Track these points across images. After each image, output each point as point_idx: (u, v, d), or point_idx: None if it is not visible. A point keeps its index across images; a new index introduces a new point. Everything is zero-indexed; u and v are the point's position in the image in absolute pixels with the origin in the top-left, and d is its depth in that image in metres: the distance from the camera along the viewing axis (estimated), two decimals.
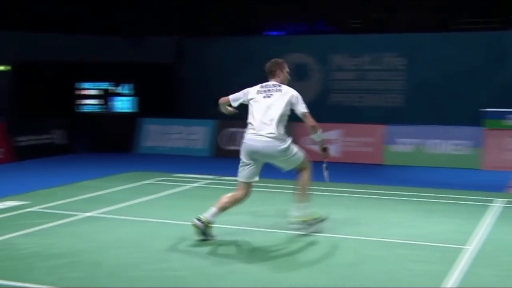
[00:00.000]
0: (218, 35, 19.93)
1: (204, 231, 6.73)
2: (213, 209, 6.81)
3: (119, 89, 16.20)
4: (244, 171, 6.85)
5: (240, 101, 7.00)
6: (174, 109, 19.79)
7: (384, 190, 10.26)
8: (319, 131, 6.89)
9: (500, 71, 17.00)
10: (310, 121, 6.85)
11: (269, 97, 6.83)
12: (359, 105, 18.22)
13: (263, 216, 8.06)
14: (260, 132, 6.73)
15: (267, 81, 7.04)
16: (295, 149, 6.91)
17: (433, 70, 17.58)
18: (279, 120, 6.76)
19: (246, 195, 6.90)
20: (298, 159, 6.92)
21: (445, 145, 13.79)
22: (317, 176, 7.37)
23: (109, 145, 15.81)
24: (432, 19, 18.75)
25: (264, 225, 7.55)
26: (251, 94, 6.92)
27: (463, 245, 6.63)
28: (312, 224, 7.08)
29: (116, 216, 7.99)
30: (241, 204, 7.03)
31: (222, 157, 15.10)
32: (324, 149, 7.09)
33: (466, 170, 13.25)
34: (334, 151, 14.55)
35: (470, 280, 5.49)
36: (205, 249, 6.48)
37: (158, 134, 16.14)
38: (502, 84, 16.93)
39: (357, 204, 9.08)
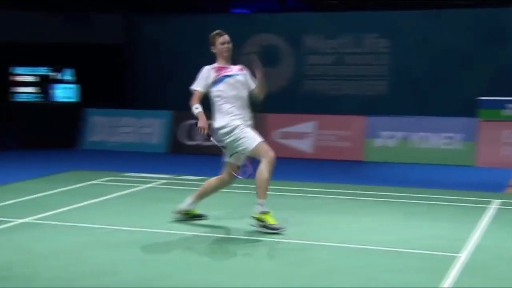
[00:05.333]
0: (175, 11, 19.81)
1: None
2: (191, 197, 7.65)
3: (59, 75, 15.98)
4: None
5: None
6: (125, 98, 19.63)
7: (364, 191, 10.33)
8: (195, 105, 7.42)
9: (497, 53, 17.18)
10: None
11: None
12: (336, 93, 18.26)
13: (221, 220, 8.06)
14: None
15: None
16: (240, 134, 7.35)
17: (420, 53, 17.71)
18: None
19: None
20: (247, 145, 7.31)
21: (433, 138, 13.92)
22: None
23: (47, 140, 15.64)
24: None
25: (224, 230, 7.56)
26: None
27: (453, 253, 6.69)
28: (266, 227, 7.37)
29: (55, 223, 7.91)
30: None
31: (180, 154, 15.06)
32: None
33: (457, 167, 13.40)
34: (306, 146, 14.62)
35: None
36: (160, 258, 6.45)
37: (105, 127, 16.05)
38: (500, 68, 17.12)
39: (331, 206, 9.13)
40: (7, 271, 5.98)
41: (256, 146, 7.29)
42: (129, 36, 19.80)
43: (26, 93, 15.94)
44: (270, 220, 7.37)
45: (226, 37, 7.62)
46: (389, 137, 14.17)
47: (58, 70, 15.90)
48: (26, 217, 8.15)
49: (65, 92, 16.01)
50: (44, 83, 15.93)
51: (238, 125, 7.34)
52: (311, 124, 14.70)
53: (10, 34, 17.98)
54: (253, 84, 7.66)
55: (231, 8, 20.54)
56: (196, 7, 19.91)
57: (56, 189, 10.14)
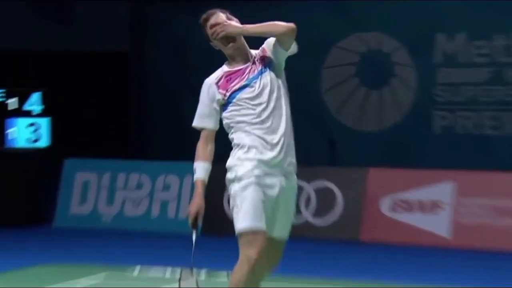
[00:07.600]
0: None
1: None
2: None
3: (21, 104, 16.26)
4: None
5: None
6: (130, 140, 19.85)
7: None
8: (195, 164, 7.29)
9: None
10: None
11: None
12: (492, 133, 18.13)
13: None
14: None
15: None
16: (237, 198, 7.13)
17: None
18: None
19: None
20: (234, 222, 7.10)
21: None
22: None
23: (1, 212, 15.86)
24: None
25: None
26: None
27: None
28: None
29: None
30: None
31: (225, 235, 14.94)
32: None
33: None
34: (439, 225, 14.46)
35: None
36: None
37: (97, 190, 16.18)
38: None
39: None
40: None
41: (239, 231, 7.05)
42: (139, 39, 20.11)
43: None
44: None
45: (215, 18, 7.58)
46: None
47: (18, 95, 16.16)
48: None
49: (28, 132, 16.24)
50: None
51: (241, 177, 7.10)
52: (447, 187, 14.59)
53: None
54: (277, 46, 7.38)
55: None
56: None
57: None
